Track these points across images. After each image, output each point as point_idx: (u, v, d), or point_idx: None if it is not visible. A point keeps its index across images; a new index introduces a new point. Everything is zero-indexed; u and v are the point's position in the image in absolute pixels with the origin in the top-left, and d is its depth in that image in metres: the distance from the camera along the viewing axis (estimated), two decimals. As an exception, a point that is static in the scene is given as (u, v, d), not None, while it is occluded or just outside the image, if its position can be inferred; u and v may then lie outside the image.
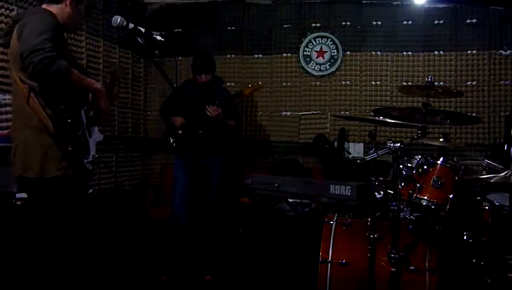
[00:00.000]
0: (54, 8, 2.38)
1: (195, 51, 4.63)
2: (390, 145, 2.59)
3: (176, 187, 4.19)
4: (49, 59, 2.11)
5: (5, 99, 3.38)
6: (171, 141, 4.12)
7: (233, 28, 5.30)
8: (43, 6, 2.42)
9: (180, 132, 4.09)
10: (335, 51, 5.05)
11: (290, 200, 3.91)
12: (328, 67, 5.08)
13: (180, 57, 5.22)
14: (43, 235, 2.30)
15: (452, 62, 4.77)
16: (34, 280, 2.29)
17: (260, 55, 5.25)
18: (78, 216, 2.38)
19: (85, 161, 2.40)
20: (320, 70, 5.10)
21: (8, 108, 3.36)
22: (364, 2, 4.99)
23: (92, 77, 2.79)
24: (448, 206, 2.63)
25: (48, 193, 2.30)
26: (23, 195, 2.88)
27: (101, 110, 2.50)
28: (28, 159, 2.28)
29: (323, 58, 5.08)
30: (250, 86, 4.45)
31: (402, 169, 2.74)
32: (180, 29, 5.42)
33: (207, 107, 4.00)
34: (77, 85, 2.34)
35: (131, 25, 2.54)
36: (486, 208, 2.82)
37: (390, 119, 2.81)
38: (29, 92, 2.23)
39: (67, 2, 2.41)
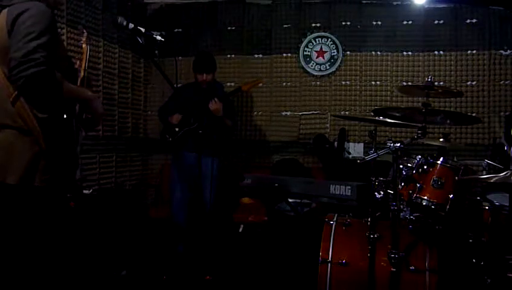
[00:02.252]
0: None
1: (197, 51, 4.63)
2: (390, 145, 2.59)
3: (175, 187, 4.19)
4: (42, 73, 1.92)
5: None
6: (167, 137, 4.12)
7: (233, 28, 5.30)
8: None
9: (176, 129, 4.09)
10: (335, 51, 5.05)
11: (290, 200, 3.91)
12: (328, 67, 5.07)
13: (180, 57, 5.22)
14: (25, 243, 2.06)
15: (452, 62, 4.77)
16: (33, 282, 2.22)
17: (260, 55, 5.25)
18: (58, 227, 2.16)
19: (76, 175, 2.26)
20: (320, 70, 5.09)
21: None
22: (364, 2, 4.98)
23: (91, 76, 2.74)
24: (448, 206, 2.63)
25: (27, 203, 2.03)
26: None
27: (96, 117, 2.35)
28: (8, 162, 1.99)
29: (323, 58, 5.08)
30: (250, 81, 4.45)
31: (402, 169, 2.74)
32: (180, 29, 5.41)
33: (210, 101, 3.99)
34: (68, 96, 2.17)
35: (131, 25, 2.53)
36: (486, 208, 2.82)
37: (390, 119, 2.82)
38: (18, 93, 2.00)
39: None
